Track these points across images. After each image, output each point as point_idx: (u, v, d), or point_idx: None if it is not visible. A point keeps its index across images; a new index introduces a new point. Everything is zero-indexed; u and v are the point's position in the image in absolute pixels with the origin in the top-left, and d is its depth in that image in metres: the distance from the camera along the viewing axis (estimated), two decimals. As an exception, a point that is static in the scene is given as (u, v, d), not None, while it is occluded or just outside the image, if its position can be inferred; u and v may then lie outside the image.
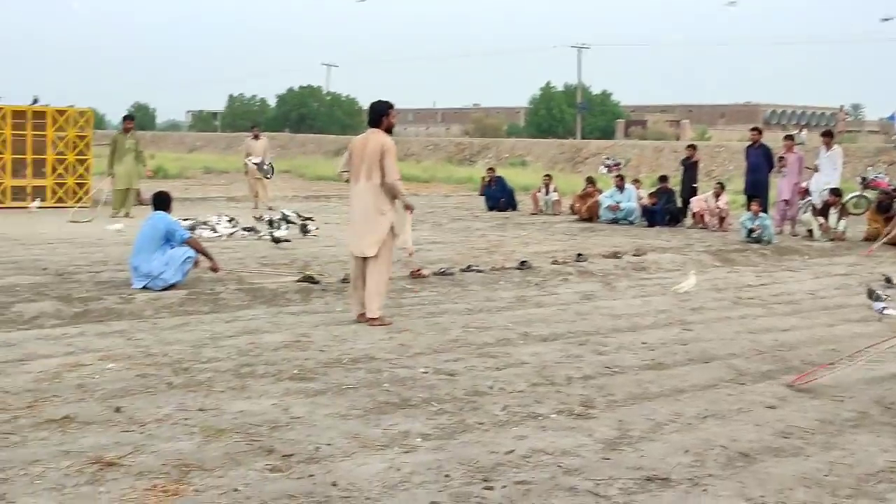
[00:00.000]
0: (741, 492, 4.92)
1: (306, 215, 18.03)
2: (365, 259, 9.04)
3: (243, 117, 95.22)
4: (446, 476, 5.02)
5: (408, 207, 9.40)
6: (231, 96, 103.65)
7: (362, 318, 9.04)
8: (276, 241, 15.13)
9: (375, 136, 9.02)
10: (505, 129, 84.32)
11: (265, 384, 6.76)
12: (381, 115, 9.11)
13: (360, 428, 5.81)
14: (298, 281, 10.89)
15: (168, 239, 10.51)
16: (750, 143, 19.61)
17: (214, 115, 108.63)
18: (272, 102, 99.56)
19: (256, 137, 22.64)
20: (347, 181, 9.34)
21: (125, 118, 20.35)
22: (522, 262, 12.69)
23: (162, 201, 10.98)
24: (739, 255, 14.90)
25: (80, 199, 21.38)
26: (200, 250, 10.79)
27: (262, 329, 8.65)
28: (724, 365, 7.72)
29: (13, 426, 5.64)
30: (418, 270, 11.75)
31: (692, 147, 21.74)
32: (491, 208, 23.42)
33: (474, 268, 12.28)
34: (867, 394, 6.91)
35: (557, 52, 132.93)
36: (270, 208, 19.88)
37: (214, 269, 10.87)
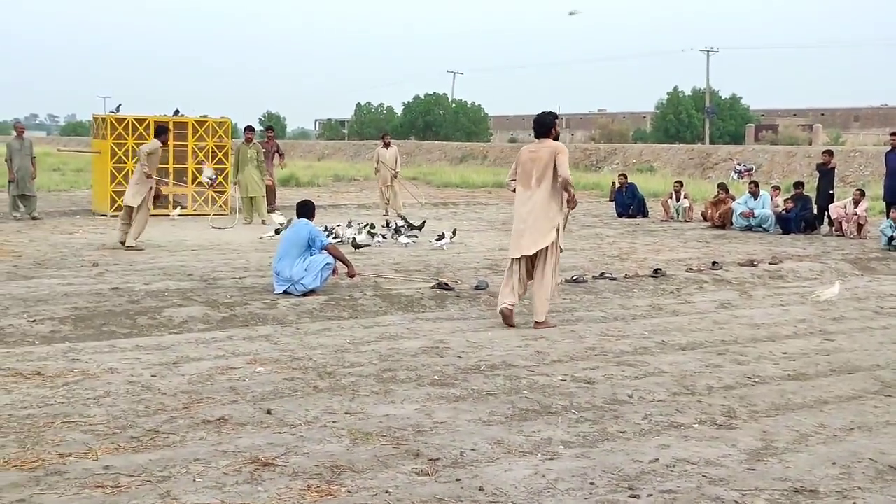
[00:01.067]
0: (893, 506, 4.84)
1: (414, 223, 18.33)
2: (531, 261, 9.41)
3: (370, 125, 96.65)
4: (591, 483, 5.07)
5: (571, 201, 9.53)
6: (358, 104, 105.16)
7: (509, 313, 9.35)
8: (357, 246, 15.27)
9: (547, 143, 9.39)
10: (631, 135, 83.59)
11: (407, 389, 6.91)
12: (549, 126, 9.48)
13: (503, 434, 5.89)
14: (433, 288, 11.04)
15: (310, 245, 10.84)
16: (890, 147, 19.05)
17: (342, 123, 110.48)
18: (398, 110, 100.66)
19: (387, 145, 23.04)
20: (514, 190, 9.64)
21: (247, 129, 20.96)
22: (656, 270, 12.62)
23: (305, 209, 11.31)
24: (880, 264, 14.51)
25: (220, 206, 21.88)
26: (339, 257, 11.06)
27: (401, 335, 8.82)
28: (869, 376, 7.57)
29: (172, 426, 5.90)
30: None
31: (829, 153, 21.22)
32: (620, 215, 23.30)
33: (607, 275, 12.26)
34: None
35: (685, 55, 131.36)
36: (400, 216, 20.15)
37: (351, 275, 11.12)
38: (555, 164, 9.22)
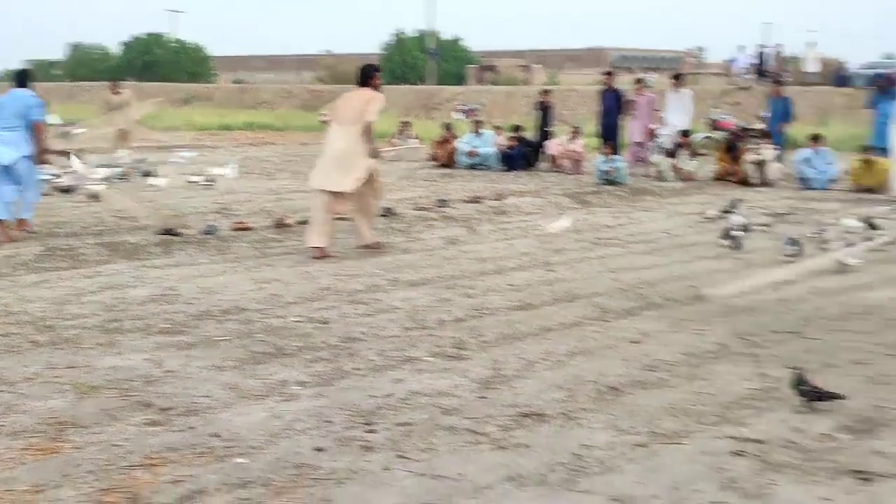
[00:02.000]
0: (613, 423, 5.12)
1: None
2: (339, 195, 9.99)
3: (86, 66, 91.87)
4: (328, 422, 5.07)
5: (373, 153, 10.22)
6: (72, 44, 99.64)
7: (320, 254, 9.76)
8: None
9: (365, 91, 10.16)
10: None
11: (135, 339, 6.66)
12: (367, 76, 10.25)
13: (238, 379, 5.79)
14: (159, 234, 10.68)
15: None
16: (603, 87, 20.01)
17: (53, 63, 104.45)
18: (117, 50, 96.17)
19: (116, 93, 20.78)
20: (324, 124, 10.48)
21: None
22: (387, 209, 12.72)
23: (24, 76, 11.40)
24: (595, 197, 15.27)
25: None
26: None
27: (127, 284, 8.47)
28: (589, 303, 7.95)
29: None
30: (282, 220, 11.67)
31: (546, 92, 22.04)
32: None
33: (339, 216, 12.23)
34: (724, 327, 7.22)
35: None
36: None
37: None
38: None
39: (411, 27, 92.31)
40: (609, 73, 20.35)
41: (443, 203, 13.52)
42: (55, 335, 6.71)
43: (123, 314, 7.35)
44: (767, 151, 17.83)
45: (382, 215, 12.39)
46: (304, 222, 11.69)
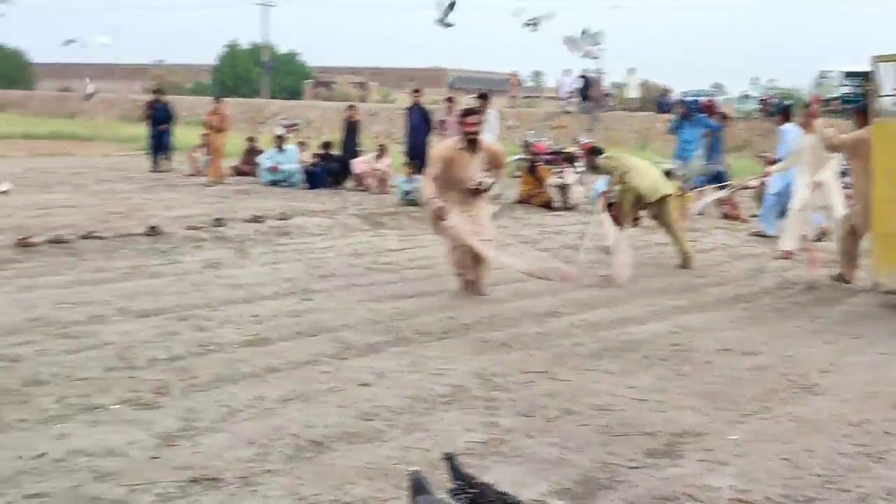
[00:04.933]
0: (296, 489, 4.39)
1: None
2: None
3: None
4: (-58, 493, 4.17)
5: None
6: None
7: None
8: None
9: None
10: (189, 87, 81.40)
11: None
12: None
13: None
14: None
15: None
16: (412, 104, 19.44)
17: None
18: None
19: None
20: None
21: None
22: (152, 228, 11.75)
23: None
24: (390, 219, 14.55)
25: None
26: None
27: None
28: (332, 338, 7.20)
29: None
30: (27, 238, 10.56)
31: (352, 107, 21.36)
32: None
33: (96, 234, 11.21)
34: (470, 365, 6.59)
35: (244, 8, 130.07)
36: None
37: None
38: None
39: (247, 40, 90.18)
40: (417, 91, 19.78)
41: (219, 222, 12.59)
42: None
43: None
44: (570, 175, 17.54)
45: (147, 234, 11.44)
46: (55, 241, 10.66)
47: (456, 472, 3.77)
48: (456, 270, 9.11)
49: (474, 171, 8.99)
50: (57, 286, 8.72)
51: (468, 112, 9.30)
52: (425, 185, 9.06)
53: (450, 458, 3.84)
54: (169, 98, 22.82)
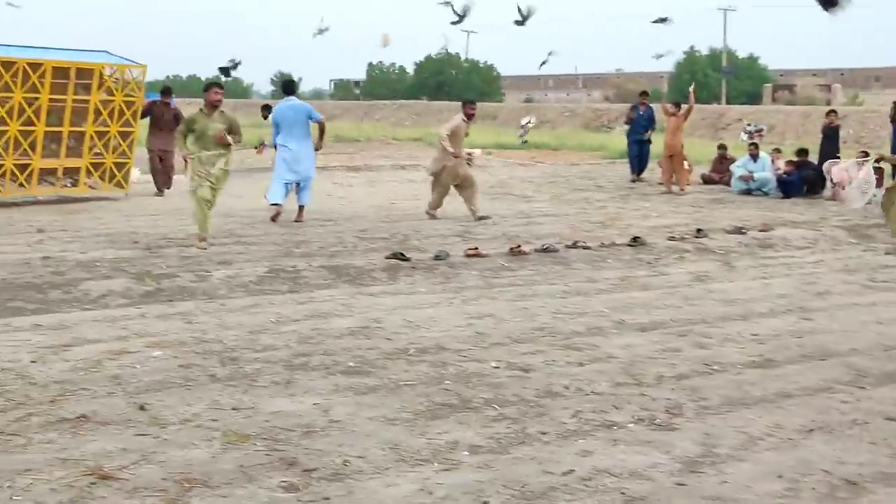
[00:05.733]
0: (839, 535, 4.03)
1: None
2: None
3: (382, 86, 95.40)
4: (483, 503, 4.27)
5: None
6: (370, 64, 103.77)
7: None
8: None
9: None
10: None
11: (314, 378, 6.11)
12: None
13: (404, 436, 5.09)
14: (388, 258, 10.23)
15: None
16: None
17: (357, 83, 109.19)
18: (411, 70, 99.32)
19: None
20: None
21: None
22: (635, 238, 11.76)
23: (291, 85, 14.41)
24: (879, 231, 13.52)
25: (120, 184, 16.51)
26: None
27: (333, 312, 8.01)
28: (843, 363, 6.70)
29: (22, 425, 5.12)
30: (518, 247, 10.95)
31: (832, 112, 20.21)
32: (634, 143, 21.70)
33: (581, 244, 11.41)
34: None
35: (703, 15, 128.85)
36: None
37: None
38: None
39: (705, 45, 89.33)
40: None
41: (700, 233, 12.36)
42: (235, 369, 6.28)
43: (315, 348, 6.85)
44: None
45: (630, 244, 11.47)
46: (544, 250, 10.98)
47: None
48: None
49: None
50: (551, 295, 8.91)
51: None
52: None
53: None
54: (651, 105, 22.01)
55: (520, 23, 21.83)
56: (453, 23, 22.33)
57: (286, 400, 5.67)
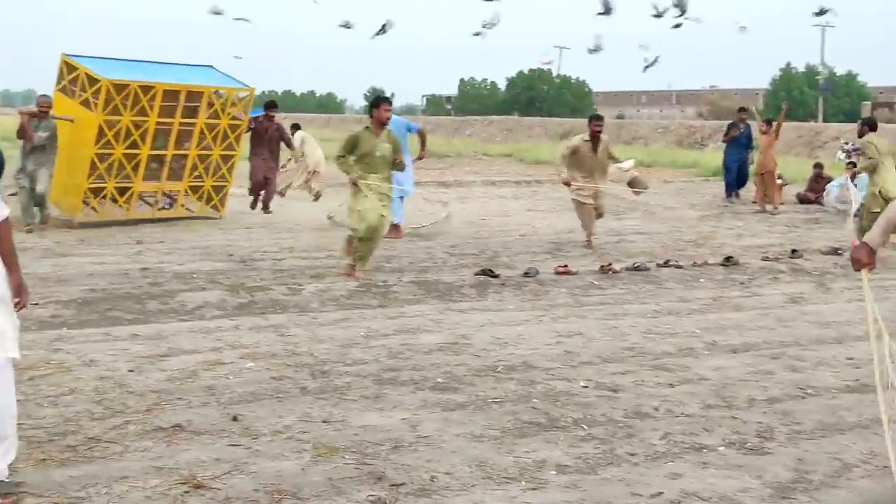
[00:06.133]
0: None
1: None
2: None
3: (474, 101, 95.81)
4: (570, 524, 4.26)
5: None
6: (462, 80, 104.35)
7: None
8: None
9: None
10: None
11: (403, 393, 6.16)
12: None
13: (491, 454, 5.11)
14: (477, 274, 10.27)
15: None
16: None
17: (448, 98, 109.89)
18: (502, 86, 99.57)
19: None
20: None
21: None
22: (728, 258, 11.61)
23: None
24: None
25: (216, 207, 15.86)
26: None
27: (422, 328, 8.06)
28: (945, 390, 6.52)
29: (119, 433, 5.27)
30: (609, 265, 10.90)
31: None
32: (732, 164, 20.90)
33: (673, 263, 11.31)
34: None
35: (800, 31, 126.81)
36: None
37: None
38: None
39: (802, 62, 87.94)
40: None
41: (795, 253, 12.15)
42: (326, 382, 6.37)
43: (404, 363, 6.91)
44: None
45: (723, 264, 11.33)
46: (635, 268, 10.91)
47: None
48: None
49: None
50: (642, 314, 8.84)
51: None
52: None
53: None
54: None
55: (603, 14, 21.69)
56: (477, 34, 22.60)
57: (375, 414, 5.73)
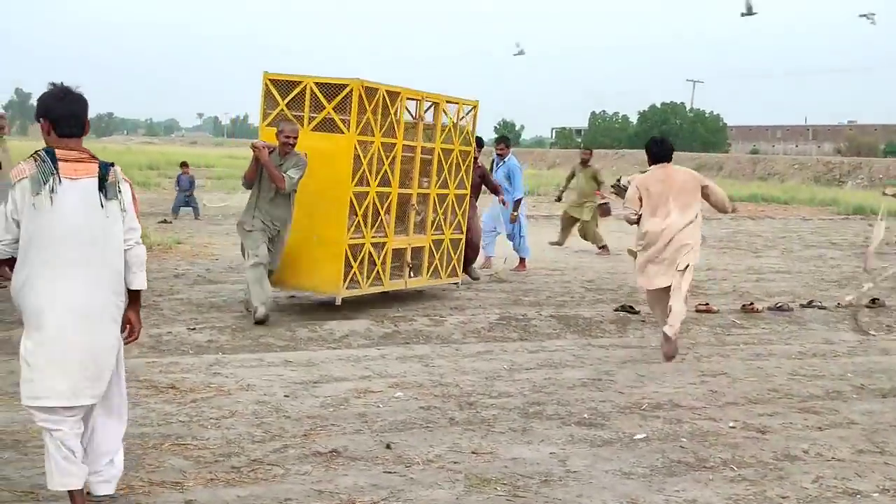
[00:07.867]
0: None
1: None
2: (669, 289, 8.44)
3: (604, 134, 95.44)
4: (724, 564, 4.28)
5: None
6: (593, 113, 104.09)
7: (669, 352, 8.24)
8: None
9: (681, 170, 8.66)
10: (882, 148, 78.71)
11: (549, 428, 6.25)
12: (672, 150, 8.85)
13: (641, 491, 5.15)
14: (616, 310, 10.29)
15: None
16: None
17: (578, 132, 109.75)
18: (633, 119, 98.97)
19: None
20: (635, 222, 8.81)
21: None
22: (874, 300, 11.35)
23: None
24: None
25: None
26: None
27: (565, 362, 8.14)
28: None
29: (280, 456, 5.48)
30: (751, 305, 10.78)
31: None
32: None
33: (816, 303, 11.13)
34: None
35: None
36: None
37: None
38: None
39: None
40: None
41: (946, 297, 11.81)
42: (473, 414, 6.50)
43: (549, 397, 6.99)
44: None
45: (868, 306, 11.09)
46: (778, 308, 10.77)
47: None
48: None
49: None
50: (787, 356, 8.74)
51: None
52: None
53: None
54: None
55: (747, 14, 21.56)
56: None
57: (524, 447, 5.83)
